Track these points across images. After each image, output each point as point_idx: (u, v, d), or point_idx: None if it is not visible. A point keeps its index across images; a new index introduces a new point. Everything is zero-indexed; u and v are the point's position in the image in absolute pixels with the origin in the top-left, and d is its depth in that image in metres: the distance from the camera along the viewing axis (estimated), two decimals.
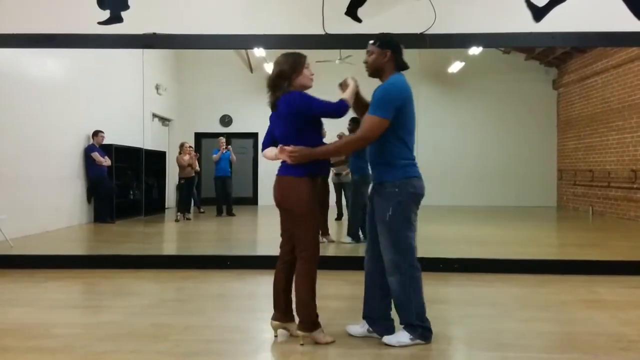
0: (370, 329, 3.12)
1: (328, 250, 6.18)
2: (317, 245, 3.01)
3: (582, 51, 11.12)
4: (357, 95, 3.14)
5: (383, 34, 3.18)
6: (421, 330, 2.98)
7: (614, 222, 9.65)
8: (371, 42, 3.11)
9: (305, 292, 2.95)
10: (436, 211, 10.30)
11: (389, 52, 3.04)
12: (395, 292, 2.99)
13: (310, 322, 2.95)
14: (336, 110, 2.96)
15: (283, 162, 3.00)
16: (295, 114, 2.93)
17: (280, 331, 3.09)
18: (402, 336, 2.98)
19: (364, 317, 3.16)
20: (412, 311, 2.97)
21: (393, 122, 2.96)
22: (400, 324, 3.02)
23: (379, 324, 3.10)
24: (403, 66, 3.12)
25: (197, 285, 4.41)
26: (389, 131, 2.97)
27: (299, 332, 2.96)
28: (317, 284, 2.99)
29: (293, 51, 3.12)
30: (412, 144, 3.07)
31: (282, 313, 3.06)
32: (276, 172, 3.06)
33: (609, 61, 10.28)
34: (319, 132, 3.09)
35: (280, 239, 3.12)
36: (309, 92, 3.06)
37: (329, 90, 3.53)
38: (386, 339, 3.00)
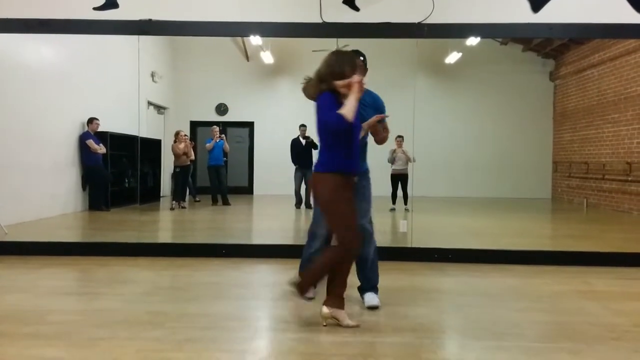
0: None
1: None
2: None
3: (580, 43, 11.11)
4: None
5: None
6: None
7: (608, 214, 9.71)
8: (361, 58, 3.36)
9: (319, 267, 3.03)
10: (431, 202, 10.34)
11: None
12: (375, 257, 3.46)
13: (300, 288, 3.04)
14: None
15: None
16: None
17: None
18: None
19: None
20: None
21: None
22: (372, 288, 3.47)
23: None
24: None
25: (192, 273, 4.42)
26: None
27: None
28: None
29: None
30: None
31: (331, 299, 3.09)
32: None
33: (605, 53, 10.28)
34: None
35: None
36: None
37: None
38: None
